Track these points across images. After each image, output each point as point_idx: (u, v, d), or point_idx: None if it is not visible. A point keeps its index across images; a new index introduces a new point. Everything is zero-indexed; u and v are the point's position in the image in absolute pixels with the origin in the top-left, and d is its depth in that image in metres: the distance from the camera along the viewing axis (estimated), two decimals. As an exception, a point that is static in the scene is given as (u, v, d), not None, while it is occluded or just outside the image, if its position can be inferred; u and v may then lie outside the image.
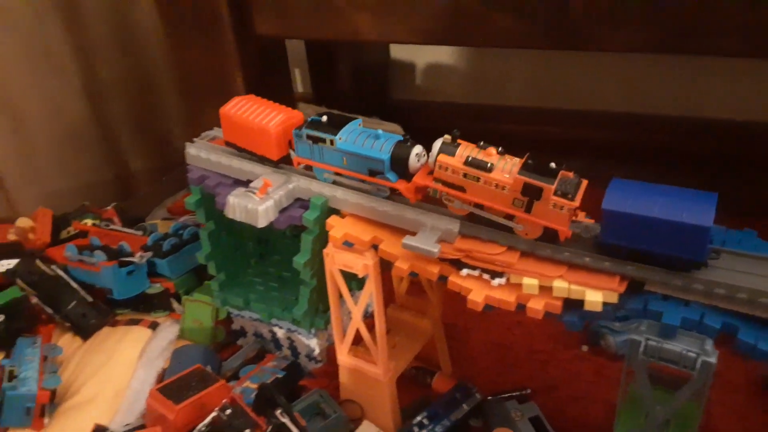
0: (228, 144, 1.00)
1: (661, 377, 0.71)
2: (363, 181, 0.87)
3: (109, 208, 1.53)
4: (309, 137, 0.88)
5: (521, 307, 0.76)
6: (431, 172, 0.80)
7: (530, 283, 0.75)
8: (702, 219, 0.66)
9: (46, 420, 1.03)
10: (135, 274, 1.23)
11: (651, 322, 0.70)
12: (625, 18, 1.09)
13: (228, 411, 0.87)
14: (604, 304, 0.71)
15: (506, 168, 0.75)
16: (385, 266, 0.86)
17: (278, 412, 0.87)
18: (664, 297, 0.70)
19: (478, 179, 0.76)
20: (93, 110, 1.73)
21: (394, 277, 1.03)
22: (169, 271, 1.25)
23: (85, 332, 1.21)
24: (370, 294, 0.87)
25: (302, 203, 0.92)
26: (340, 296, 0.92)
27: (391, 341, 0.99)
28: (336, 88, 1.91)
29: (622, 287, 0.71)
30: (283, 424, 0.86)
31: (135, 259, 1.23)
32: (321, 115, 0.88)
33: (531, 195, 0.73)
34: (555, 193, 0.72)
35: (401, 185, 0.83)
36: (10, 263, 1.27)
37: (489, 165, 0.75)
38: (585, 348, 1.12)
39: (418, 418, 0.95)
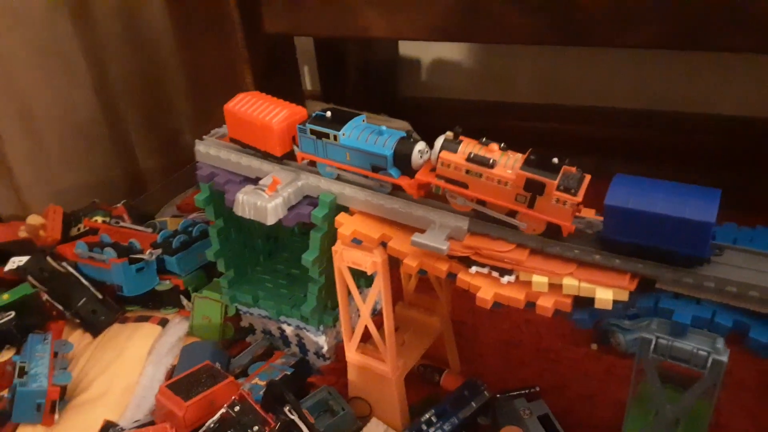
0: (232, 140, 1.00)
1: (671, 376, 0.71)
2: (366, 176, 0.87)
3: (119, 205, 1.53)
4: (313, 133, 0.88)
5: (530, 305, 0.75)
6: (434, 169, 0.80)
7: (540, 280, 0.74)
8: (705, 215, 0.65)
9: (56, 416, 1.03)
10: (144, 271, 1.24)
11: (661, 320, 0.69)
12: (636, 13, 1.08)
13: (237, 407, 0.87)
14: (615, 302, 0.71)
15: (509, 164, 0.75)
16: (393, 263, 0.86)
17: (287, 409, 0.87)
18: (675, 295, 0.70)
19: (480, 175, 0.76)
20: (103, 108, 1.74)
21: (403, 274, 1.03)
22: (178, 268, 1.26)
23: (95, 329, 1.22)
24: (379, 291, 0.87)
25: (311, 200, 0.92)
26: (349, 293, 0.92)
27: (400, 339, 0.99)
28: (345, 86, 1.91)
29: (633, 285, 0.71)
30: (292, 421, 0.86)
31: (145, 256, 1.24)
32: (325, 110, 0.89)
33: (534, 190, 0.73)
34: (557, 189, 0.71)
35: (404, 181, 0.83)
36: (21, 260, 1.28)
37: (491, 161, 0.75)
38: (594, 346, 1.11)
39: (427, 416, 0.95)
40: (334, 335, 1.11)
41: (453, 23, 1.21)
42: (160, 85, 1.86)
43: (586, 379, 1.05)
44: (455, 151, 0.77)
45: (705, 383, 0.67)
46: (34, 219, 1.43)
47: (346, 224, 0.87)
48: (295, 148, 0.93)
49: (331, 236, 0.90)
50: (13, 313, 1.18)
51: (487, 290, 0.76)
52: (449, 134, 0.79)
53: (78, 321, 1.23)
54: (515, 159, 0.75)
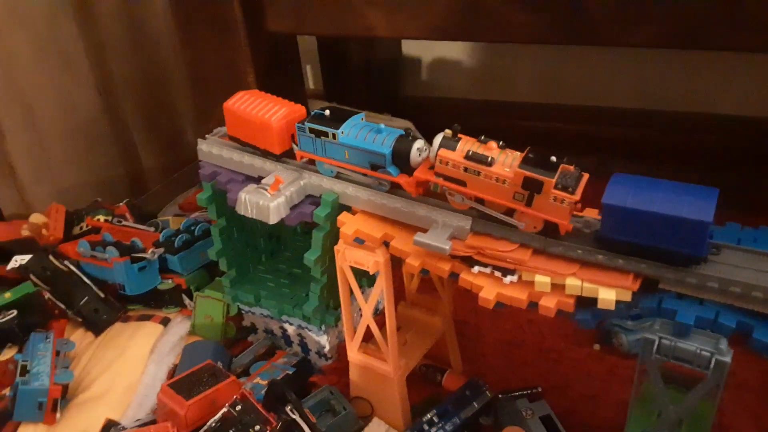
0: (231, 138, 1.00)
1: (674, 376, 0.71)
2: (365, 174, 0.87)
3: (121, 204, 1.53)
4: (312, 131, 0.88)
5: (533, 305, 0.75)
6: (432, 167, 0.80)
7: (542, 280, 0.74)
8: (702, 214, 0.65)
9: (58, 415, 1.03)
10: (147, 270, 1.24)
11: (664, 320, 0.69)
12: (636, 13, 1.08)
13: (238, 407, 0.87)
14: (618, 302, 0.71)
15: (507, 162, 0.75)
16: (396, 263, 0.86)
17: (288, 408, 0.87)
18: (678, 295, 0.70)
19: (478, 173, 0.76)
20: (106, 107, 1.74)
21: (405, 274, 1.03)
22: (180, 267, 1.26)
23: (97, 328, 1.22)
24: (381, 291, 0.87)
25: (313, 200, 0.92)
26: (351, 293, 0.92)
27: (402, 338, 0.98)
28: (347, 85, 1.91)
29: (636, 285, 0.71)
30: (293, 420, 0.86)
31: (147, 255, 1.24)
32: (324, 108, 0.88)
33: (531, 188, 0.73)
34: (555, 187, 0.71)
35: (402, 179, 0.83)
36: (24, 259, 1.27)
37: (489, 159, 0.75)
38: (597, 346, 1.11)
39: (428, 416, 0.94)
40: (336, 335, 1.11)
41: (454, 22, 1.21)
42: (163, 84, 1.86)
43: (589, 379, 1.05)
44: (454, 149, 0.77)
45: (708, 384, 0.67)
46: (36, 218, 1.44)
47: (348, 223, 0.87)
48: (294, 146, 0.93)
49: (334, 235, 0.90)
50: (15, 312, 1.18)
51: (489, 290, 0.76)
52: (448, 132, 0.79)
53: (80, 320, 1.23)
54: (513, 157, 0.75)
